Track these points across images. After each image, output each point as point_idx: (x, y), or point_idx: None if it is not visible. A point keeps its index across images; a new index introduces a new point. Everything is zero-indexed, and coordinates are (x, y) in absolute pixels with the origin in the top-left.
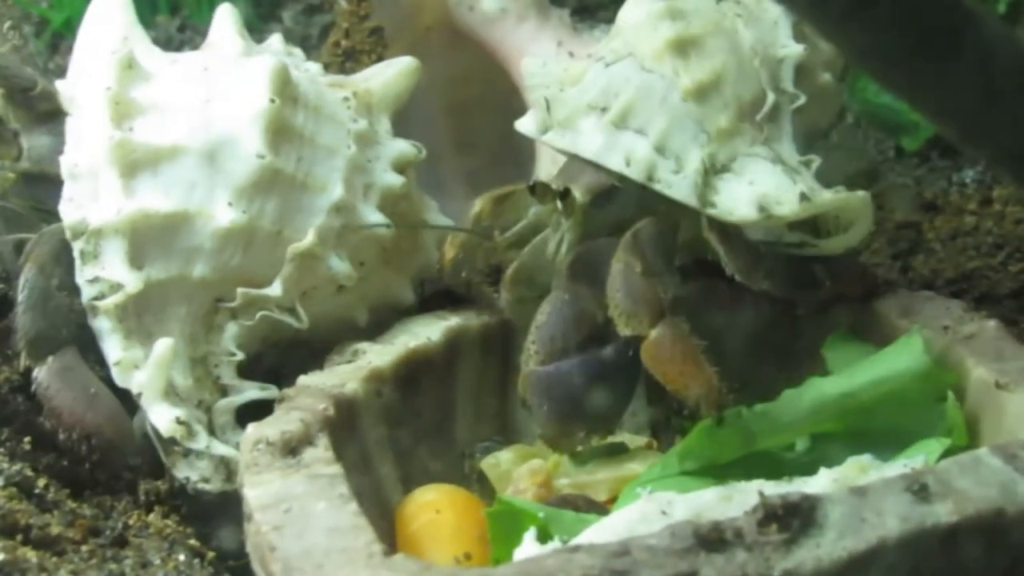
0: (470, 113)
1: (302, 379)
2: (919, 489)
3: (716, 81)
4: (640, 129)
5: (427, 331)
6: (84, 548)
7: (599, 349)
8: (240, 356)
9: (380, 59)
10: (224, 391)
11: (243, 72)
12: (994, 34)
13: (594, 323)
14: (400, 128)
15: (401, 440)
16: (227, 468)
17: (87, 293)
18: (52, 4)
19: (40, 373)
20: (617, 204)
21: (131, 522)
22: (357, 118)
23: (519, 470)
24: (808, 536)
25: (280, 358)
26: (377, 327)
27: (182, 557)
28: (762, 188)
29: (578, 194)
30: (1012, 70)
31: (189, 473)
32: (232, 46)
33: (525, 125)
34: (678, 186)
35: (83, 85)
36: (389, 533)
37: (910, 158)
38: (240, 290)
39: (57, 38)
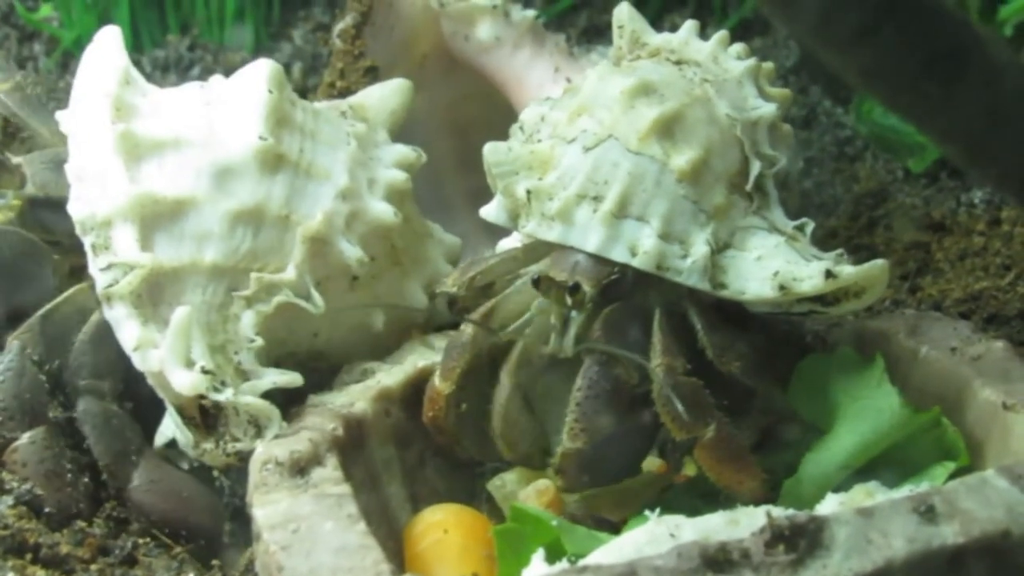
0: (471, 133)
1: (312, 398)
2: (926, 510)
3: (706, 157)
4: (640, 216)
5: (436, 351)
6: (93, 567)
7: (636, 414)
8: (260, 342)
9: None
10: (246, 376)
11: (240, 77)
12: (1000, 57)
13: (629, 390)
14: None
15: (409, 460)
16: (256, 424)
17: (102, 282)
18: (62, 23)
19: (133, 494)
20: (619, 287)
21: (140, 541)
22: (355, 123)
23: (526, 490)
24: (815, 557)
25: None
26: (396, 343)
27: None
28: (774, 265)
29: (587, 288)
30: (1018, 93)
31: (220, 439)
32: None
33: (492, 214)
34: (688, 272)
35: (83, 105)
36: (397, 553)
37: (918, 178)
38: (254, 274)
39: (67, 57)
